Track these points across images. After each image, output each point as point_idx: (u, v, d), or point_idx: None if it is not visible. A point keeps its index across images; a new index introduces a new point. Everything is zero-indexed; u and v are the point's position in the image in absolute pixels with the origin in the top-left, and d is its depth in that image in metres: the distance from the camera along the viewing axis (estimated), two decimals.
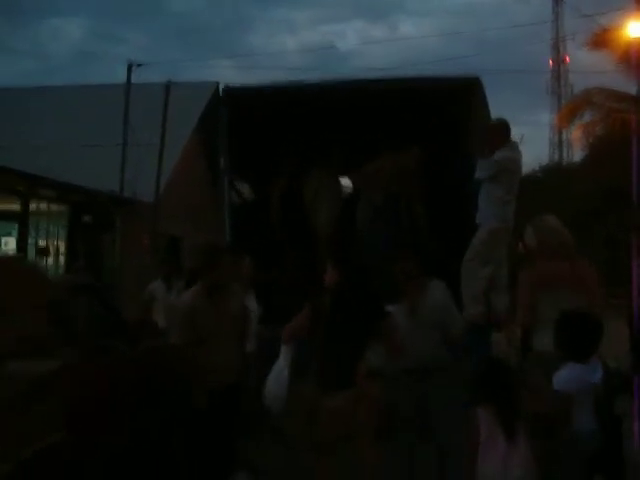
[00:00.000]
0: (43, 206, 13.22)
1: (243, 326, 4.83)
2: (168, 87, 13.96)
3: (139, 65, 14.63)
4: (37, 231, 13.46)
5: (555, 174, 29.28)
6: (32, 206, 12.56)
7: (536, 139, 58.70)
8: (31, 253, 13.01)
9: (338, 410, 4.00)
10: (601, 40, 18.93)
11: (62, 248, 14.23)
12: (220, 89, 7.33)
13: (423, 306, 4.60)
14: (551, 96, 55.61)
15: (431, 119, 6.78)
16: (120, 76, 15.57)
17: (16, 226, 12.42)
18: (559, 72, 55.55)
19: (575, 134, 25.51)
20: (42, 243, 13.79)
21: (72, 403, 3.49)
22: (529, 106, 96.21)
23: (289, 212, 7.17)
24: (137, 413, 4.17)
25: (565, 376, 3.71)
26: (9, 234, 13.21)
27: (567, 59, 56.06)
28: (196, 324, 4.46)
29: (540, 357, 4.24)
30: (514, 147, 6.23)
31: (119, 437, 3.93)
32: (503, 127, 6.19)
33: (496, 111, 6.56)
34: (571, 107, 25.17)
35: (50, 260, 14.12)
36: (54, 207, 13.72)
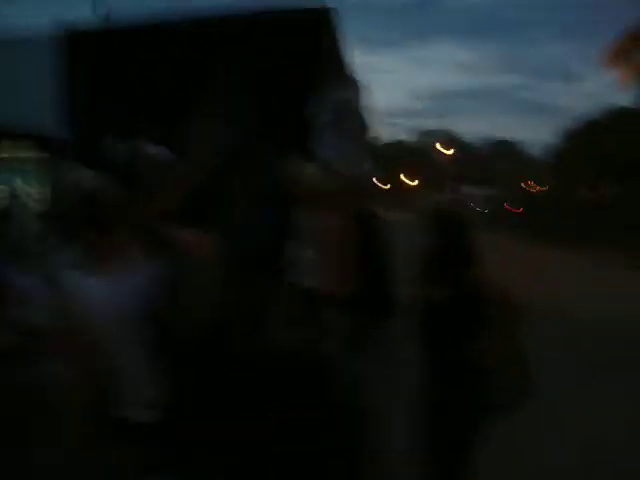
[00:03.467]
0: None
1: None
2: None
3: None
4: None
5: (618, 118, 27.05)
6: None
7: None
8: None
9: None
10: None
11: None
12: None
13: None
14: None
15: (276, 59, 5.93)
16: None
17: None
18: None
19: (624, 74, 23.34)
20: None
21: None
22: None
23: None
24: None
25: None
26: None
27: None
28: None
29: None
30: (354, 84, 5.40)
31: None
32: (339, 62, 5.37)
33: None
34: (620, 45, 22.97)
35: None
36: None
